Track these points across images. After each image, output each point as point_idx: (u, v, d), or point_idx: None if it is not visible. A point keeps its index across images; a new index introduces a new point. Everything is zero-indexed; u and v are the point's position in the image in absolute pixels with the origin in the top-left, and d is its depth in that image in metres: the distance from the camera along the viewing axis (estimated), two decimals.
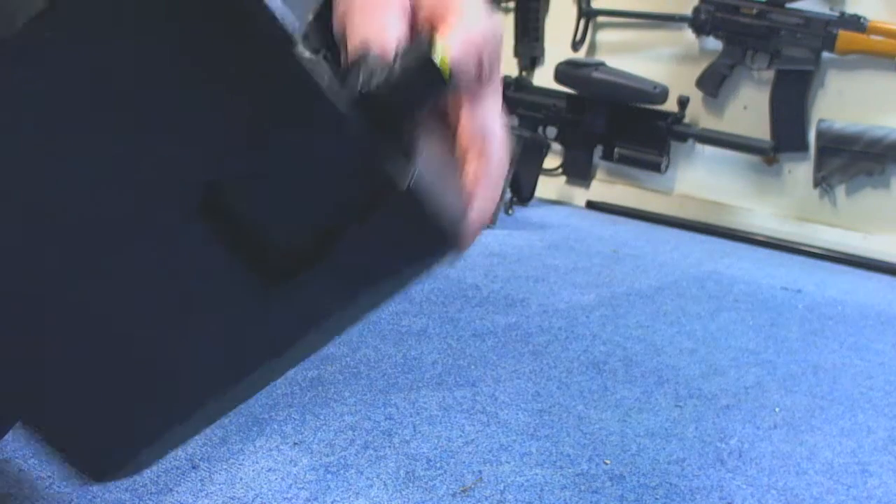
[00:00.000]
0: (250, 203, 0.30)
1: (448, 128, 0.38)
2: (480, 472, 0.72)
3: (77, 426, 0.34)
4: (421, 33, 0.33)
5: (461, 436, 0.78)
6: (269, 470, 0.68)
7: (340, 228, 0.31)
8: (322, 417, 0.78)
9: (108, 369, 0.32)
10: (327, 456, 0.71)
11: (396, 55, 0.32)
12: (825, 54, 2.07)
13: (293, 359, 0.34)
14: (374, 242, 0.31)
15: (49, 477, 0.61)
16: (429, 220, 0.31)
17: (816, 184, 2.12)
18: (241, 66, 0.28)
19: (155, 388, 0.33)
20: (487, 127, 0.37)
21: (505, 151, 0.38)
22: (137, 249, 0.30)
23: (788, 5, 2.07)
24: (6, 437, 0.61)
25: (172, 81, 0.28)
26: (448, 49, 0.32)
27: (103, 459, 0.35)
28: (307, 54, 0.29)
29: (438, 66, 0.31)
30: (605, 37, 2.43)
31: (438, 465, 0.72)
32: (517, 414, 0.85)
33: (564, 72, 2.27)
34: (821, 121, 2.08)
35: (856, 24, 1.99)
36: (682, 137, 2.24)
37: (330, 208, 0.30)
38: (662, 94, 2.20)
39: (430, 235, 0.32)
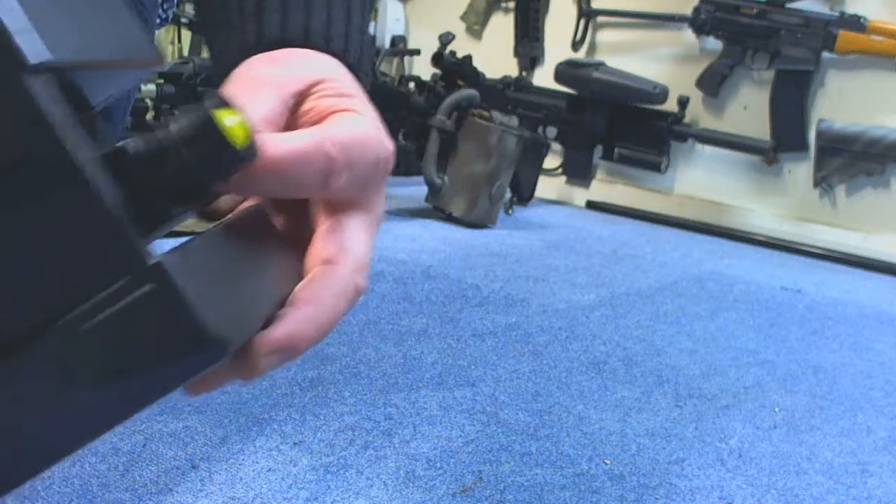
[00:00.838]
0: None
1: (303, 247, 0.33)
2: (480, 472, 0.72)
3: None
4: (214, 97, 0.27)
5: (461, 436, 0.78)
6: (269, 470, 0.68)
7: (67, 312, 0.25)
8: (322, 417, 0.78)
9: None
10: (327, 456, 0.71)
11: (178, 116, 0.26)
12: (825, 54, 2.07)
13: (24, 461, 0.28)
14: (110, 333, 0.25)
15: (49, 477, 0.61)
16: (178, 311, 0.25)
17: (816, 184, 2.12)
18: None
19: None
20: (344, 252, 0.32)
21: (356, 285, 0.32)
22: None
23: (788, 5, 2.07)
24: None
25: None
26: (247, 120, 0.27)
27: None
28: (46, 86, 0.23)
29: (218, 127, 0.26)
30: (605, 37, 2.43)
31: (438, 465, 0.72)
32: (517, 414, 0.85)
33: (564, 72, 2.27)
34: (821, 121, 2.08)
35: (856, 24, 2.00)
36: (682, 137, 2.24)
37: (59, 285, 0.25)
38: (662, 94, 2.20)
39: (181, 333, 0.25)
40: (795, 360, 1.17)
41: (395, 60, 2.76)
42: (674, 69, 2.30)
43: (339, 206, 0.33)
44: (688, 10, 2.21)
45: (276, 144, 0.29)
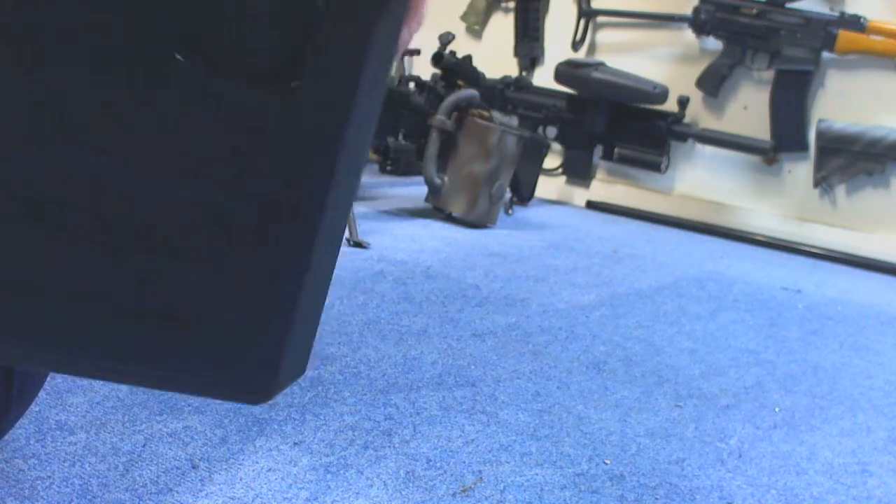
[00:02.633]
0: (221, 30, 0.29)
1: None
2: (480, 472, 0.72)
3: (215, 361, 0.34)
4: None
5: (461, 436, 0.78)
6: (269, 470, 0.68)
7: (308, 17, 0.30)
8: (322, 417, 0.78)
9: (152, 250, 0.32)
10: (327, 456, 0.71)
11: None
12: (825, 54, 2.07)
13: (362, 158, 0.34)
14: (344, 19, 0.30)
15: (49, 477, 0.61)
16: None
17: (816, 184, 2.12)
18: None
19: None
20: None
21: None
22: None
23: (788, 5, 2.07)
24: (6, 437, 0.61)
25: None
26: None
27: (256, 377, 0.34)
28: None
29: None
30: (605, 37, 2.43)
31: (438, 465, 0.72)
32: (517, 414, 0.85)
33: (564, 72, 2.27)
34: (821, 121, 2.08)
35: (856, 24, 2.00)
36: (682, 137, 2.24)
37: (288, 9, 0.30)
38: (662, 94, 2.20)
39: None
40: (795, 360, 1.17)
41: (395, 60, 2.76)
42: (674, 69, 2.30)
43: None
44: (688, 10, 2.21)
45: None
